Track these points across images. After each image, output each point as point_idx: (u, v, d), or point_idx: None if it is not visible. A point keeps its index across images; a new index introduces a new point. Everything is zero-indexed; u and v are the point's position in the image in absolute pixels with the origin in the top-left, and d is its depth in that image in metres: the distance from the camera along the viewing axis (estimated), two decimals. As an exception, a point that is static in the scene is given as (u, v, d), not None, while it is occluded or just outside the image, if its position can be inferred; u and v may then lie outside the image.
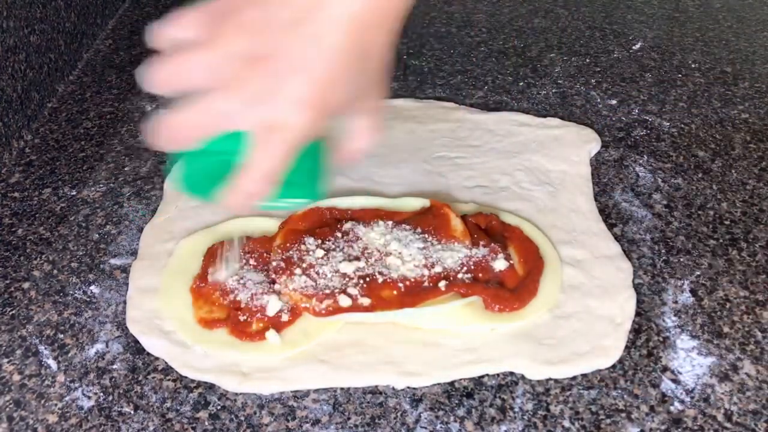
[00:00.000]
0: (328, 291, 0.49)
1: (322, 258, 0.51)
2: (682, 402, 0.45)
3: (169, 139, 0.41)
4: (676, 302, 0.52)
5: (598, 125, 0.70)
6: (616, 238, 0.57)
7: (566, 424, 0.44)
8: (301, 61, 0.39)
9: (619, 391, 0.46)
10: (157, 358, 0.49)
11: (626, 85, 0.77)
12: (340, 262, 0.51)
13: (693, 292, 0.53)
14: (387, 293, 0.49)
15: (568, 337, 0.49)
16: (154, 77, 0.41)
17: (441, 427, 0.44)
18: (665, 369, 0.47)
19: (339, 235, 0.53)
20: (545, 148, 0.66)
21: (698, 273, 0.54)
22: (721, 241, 0.57)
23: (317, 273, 0.50)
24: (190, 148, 0.42)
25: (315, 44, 0.39)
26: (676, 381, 0.47)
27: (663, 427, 0.44)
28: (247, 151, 0.41)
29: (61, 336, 0.50)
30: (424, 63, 0.80)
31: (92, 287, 0.54)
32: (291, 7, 0.39)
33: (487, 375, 0.47)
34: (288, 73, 0.39)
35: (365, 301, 0.49)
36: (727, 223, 0.59)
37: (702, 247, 0.57)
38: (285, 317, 0.49)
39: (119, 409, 0.46)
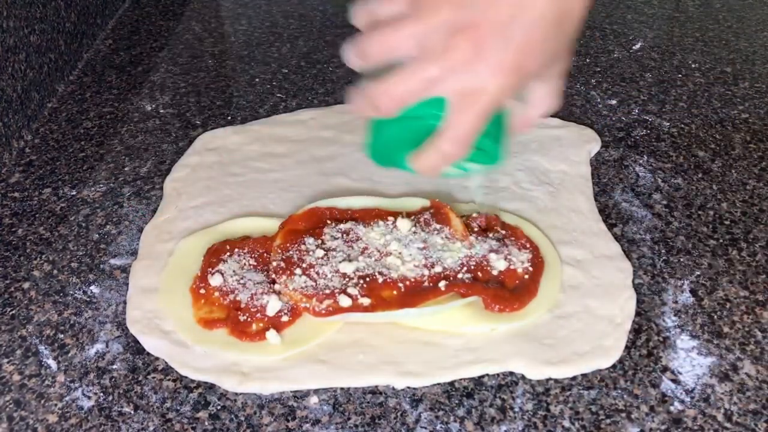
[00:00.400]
0: (328, 291, 0.49)
1: (322, 258, 0.51)
2: (682, 402, 0.45)
3: (376, 107, 0.44)
4: (676, 302, 0.52)
5: (598, 125, 0.70)
6: (616, 238, 0.57)
7: (566, 424, 0.44)
8: (504, 28, 0.41)
9: (619, 391, 0.46)
10: (157, 358, 0.49)
11: (626, 85, 0.77)
12: (340, 262, 0.51)
13: (693, 292, 0.53)
14: (387, 293, 0.49)
15: (568, 337, 0.49)
16: (363, 50, 0.44)
17: (441, 427, 0.44)
18: (665, 369, 0.47)
19: (339, 235, 0.53)
20: (545, 148, 0.66)
21: (698, 273, 0.54)
22: (721, 241, 0.57)
23: (317, 273, 0.50)
24: (394, 114, 0.44)
25: (519, 11, 0.41)
26: (676, 381, 0.47)
27: (663, 427, 0.44)
28: (446, 115, 0.43)
29: (61, 336, 0.50)
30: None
31: (92, 287, 0.54)
32: None
33: (487, 375, 0.47)
34: (489, 39, 0.41)
35: (365, 301, 0.49)
36: (727, 223, 0.59)
37: (702, 247, 0.57)
38: (285, 317, 0.49)
39: (119, 409, 0.46)
